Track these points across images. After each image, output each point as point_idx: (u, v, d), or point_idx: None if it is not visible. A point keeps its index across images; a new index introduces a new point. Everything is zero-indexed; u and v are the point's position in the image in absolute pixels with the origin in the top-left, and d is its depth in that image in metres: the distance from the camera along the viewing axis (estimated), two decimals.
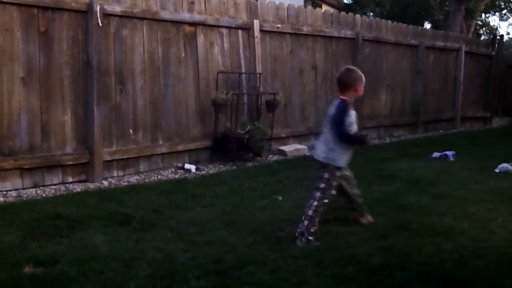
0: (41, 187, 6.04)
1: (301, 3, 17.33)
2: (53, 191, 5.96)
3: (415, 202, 5.39)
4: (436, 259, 3.79)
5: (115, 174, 6.77)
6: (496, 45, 14.90)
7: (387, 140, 10.97)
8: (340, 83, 4.25)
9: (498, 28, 32.51)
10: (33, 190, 5.92)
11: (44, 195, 5.77)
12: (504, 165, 7.11)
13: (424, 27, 22.39)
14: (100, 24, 6.42)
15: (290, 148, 8.81)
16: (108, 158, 6.63)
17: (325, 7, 18.54)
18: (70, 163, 6.32)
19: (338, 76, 4.31)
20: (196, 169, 7.31)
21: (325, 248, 4.03)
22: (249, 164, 7.81)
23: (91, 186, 6.26)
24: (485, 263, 3.71)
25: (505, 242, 4.19)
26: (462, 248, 4.02)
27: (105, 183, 6.44)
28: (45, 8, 6.06)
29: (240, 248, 3.99)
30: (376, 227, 4.54)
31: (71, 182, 6.33)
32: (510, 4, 28.19)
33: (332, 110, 4.19)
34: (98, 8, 6.38)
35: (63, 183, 6.27)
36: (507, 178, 6.68)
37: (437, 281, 3.43)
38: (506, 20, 31.63)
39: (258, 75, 8.37)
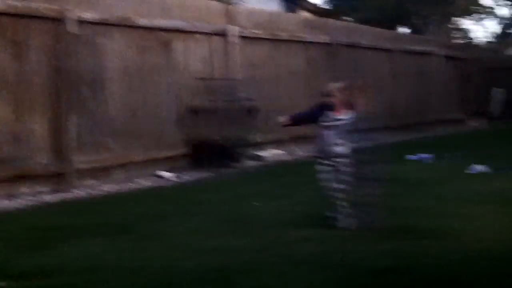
0: (14, 199, 5.89)
1: (280, 9, 17.38)
2: (26, 202, 5.81)
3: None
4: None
5: (89, 183, 6.64)
6: (472, 48, 15.10)
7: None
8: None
9: (473, 32, 32.93)
10: (6, 202, 5.78)
11: (17, 207, 5.63)
12: (479, 167, 7.11)
13: (401, 31, 22.56)
14: (74, 32, 6.32)
15: (269, 153, 8.77)
16: (82, 167, 6.51)
17: (302, 13, 18.59)
18: (44, 173, 6.19)
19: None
20: (175, 177, 7.22)
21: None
22: (228, 170, 7.75)
23: (69, 195, 6.13)
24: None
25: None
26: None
27: (81, 192, 6.32)
28: (17, 16, 5.94)
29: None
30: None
31: (45, 193, 6.18)
32: (485, 8, 28.64)
33: None
34: (72, 15, 6.28)
35: (36, 193, 6.11)
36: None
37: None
38: (480, 24, 32.13)
39: (237, 81, 8.32)
